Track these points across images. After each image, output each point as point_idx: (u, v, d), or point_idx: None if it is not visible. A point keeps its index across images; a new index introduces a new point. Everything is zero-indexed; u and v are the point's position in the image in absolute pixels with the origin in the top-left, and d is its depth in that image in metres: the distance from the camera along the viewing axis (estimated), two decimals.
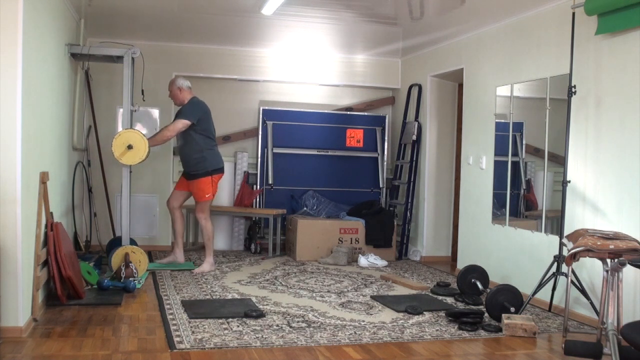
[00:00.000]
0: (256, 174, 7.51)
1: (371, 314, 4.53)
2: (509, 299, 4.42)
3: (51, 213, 4.45)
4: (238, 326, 4.07)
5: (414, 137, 7.21)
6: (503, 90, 5.68)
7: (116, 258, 5.31)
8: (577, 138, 4.65)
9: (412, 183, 7.29)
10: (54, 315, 4.22)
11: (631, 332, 2.97)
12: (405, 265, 6.82)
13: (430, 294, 5.31)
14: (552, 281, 4.49)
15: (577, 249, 3.65)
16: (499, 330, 4.16)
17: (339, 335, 3.94)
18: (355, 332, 4.02)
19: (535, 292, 4.44)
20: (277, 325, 4.12)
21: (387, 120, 7.86)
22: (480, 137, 6.05)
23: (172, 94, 5.91)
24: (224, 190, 7.34)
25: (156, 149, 7.06)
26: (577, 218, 4.64)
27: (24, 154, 3.73)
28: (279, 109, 7.56)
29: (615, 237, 3.68)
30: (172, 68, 7.11)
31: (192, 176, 5.84)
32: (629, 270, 3.88)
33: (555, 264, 4.40)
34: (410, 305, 4.66)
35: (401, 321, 4.36)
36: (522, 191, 5.56)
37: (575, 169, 4.65)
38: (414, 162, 7.27)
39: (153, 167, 7.04)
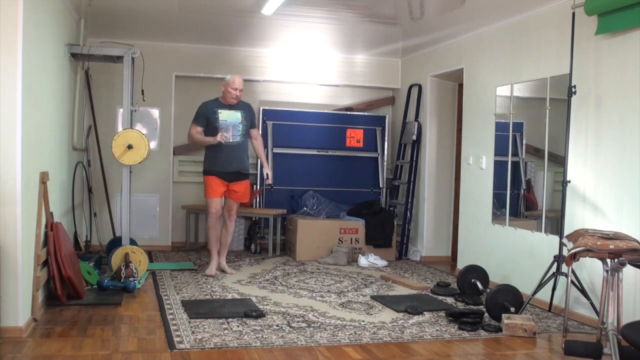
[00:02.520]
0: (256, 174, 7.51)
1: (371, 314, 4.53)
2: (509, 299, 4.42)
3: (51, 213, 4.45)
4: (238, 326, 4.07)
5: (414, 137, 7.21)
6: (503, 90, 5.68)
7: (116, 258, 5.31)
8: (577, 138, 4.65)
9: (412, 183, 7.29)
10: (54, 315, 4.22)
11: (631, 332, 2.97)
12: (405, 265, 6.82)
13: (430, 294, 5.31)
14: (552, 281, 4.49)
15: (577, 249, 3.65)
16: (499, 330, 4.15)
17: (339, 335, 3.94)
18: (355, 332, 4.02)
19: (535, 292, 4.44)
20: (277, 325, 4.11)
21: (387, 120, 7.86)
22: (480, 137, 6.05)
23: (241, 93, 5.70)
24: None
25: (156, 149, 7.08)
26: (577, 218, 4.64)
27: (24, 154, 3.73)
28: (279, 109, 7.56)
29: (615, 237, 3.68)
30: (172, 68, 7.11)
31: (244, 176, 5.86)
32: (629, 270, 3.88)
33: (555, 264, 4.40)
34: (410, 305, 4.66)
35: (401, 321, 4.35)
36: (522, 191, 5.56)
37: (575, 169, 4.65)
38: (414, 162, 7.27)
39: (153, 167, 7.04)
